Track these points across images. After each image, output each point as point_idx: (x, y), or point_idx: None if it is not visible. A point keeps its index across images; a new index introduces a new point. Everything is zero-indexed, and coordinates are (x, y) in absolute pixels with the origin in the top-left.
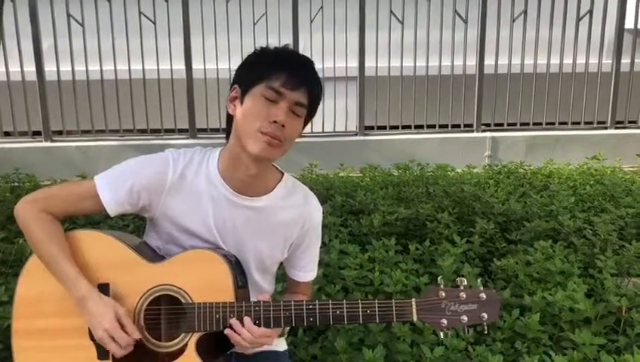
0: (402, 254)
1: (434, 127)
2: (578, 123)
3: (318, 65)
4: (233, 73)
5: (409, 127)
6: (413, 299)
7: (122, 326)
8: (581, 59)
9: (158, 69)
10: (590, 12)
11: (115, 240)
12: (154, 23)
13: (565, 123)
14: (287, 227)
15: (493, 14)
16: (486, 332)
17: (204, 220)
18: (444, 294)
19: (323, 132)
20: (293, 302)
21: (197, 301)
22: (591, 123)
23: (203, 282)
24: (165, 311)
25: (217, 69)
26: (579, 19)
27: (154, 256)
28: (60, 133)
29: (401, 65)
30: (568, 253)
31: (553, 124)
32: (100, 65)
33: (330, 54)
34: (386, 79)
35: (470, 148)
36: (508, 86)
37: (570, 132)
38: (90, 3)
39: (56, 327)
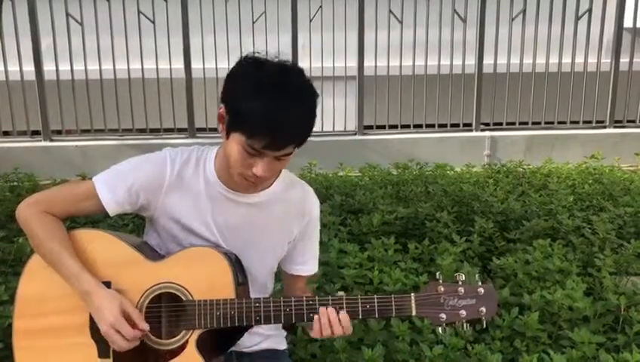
0: (401, 253)
1: (433, 126)
2: (577, 122)
3: (316, 65)
4: None
5: (408, 126)
6: (412, 294)
7: (129, 318)
8: (580, 59)
9: (157, 69)
10: (589, 11)
11: (115, 239)
12: (153, 22)
13: (564, 122)
14: (288, 221)
15: (492, 14)
16: (484, 326)
17: (203, 220)
18: (442, 289)
19: (322, 131)
20: (293, 299)
21: (197, 298)
22: (590, 122)
23: (203, 279)
24: (166, 309)
25: (216, 68)
26: (578, 18)
27: (154, 254)
28: (59, 132)
29: (400, 65)
30: (567, 252)
31: (552, 123)
32: (99, 65)
33: (329, 54)
34: (385, 78)
35: (469, 147)
36: (507, 85)
37: (569, 131)
38: (89, 2)
39: (58, 326)
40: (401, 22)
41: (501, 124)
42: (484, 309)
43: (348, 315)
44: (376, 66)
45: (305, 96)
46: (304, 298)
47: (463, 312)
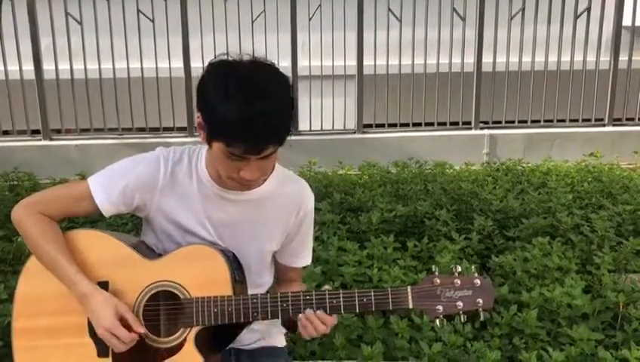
0: (400, 251)
1: (432, 124)
2: (576, 120)
3: (316, 63)
4: None
5: (407, 124)
6: (409, 287)
7: (125, 322)
8: (579, 57)
9: (156, 68)
10: (588, 9)
11: (112, 239)
12: (152, 21)
13: (563, 120)
14: (283, 216)
15: (491, 12)
16: (481, 319)
17: (198, 218)
18: (439, 281)
19: (321, 130)
20: (290, 294)
21: (195, 296)
22: (589, 120)
23: (201, 277)
24: (164, 307)
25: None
26: (577, 17)
27: (151, 253)
28: (58, 131)
29: (400, 64)
30: (566, 250)
31: (551, 121)
32: (99, 64)
33: (328, 52)
34: (385, 77)
35: (468, 145)
36: (506, 83)
37: (568, 129)
38: (89, 2)
39: (56, 326)
40: (400, 20)
41: (500, 122)
42: (480, 300)
43: (323, 312)
44: (375, 65)
45: (276, 94)
46: (301, 293)
47: (460, 304)
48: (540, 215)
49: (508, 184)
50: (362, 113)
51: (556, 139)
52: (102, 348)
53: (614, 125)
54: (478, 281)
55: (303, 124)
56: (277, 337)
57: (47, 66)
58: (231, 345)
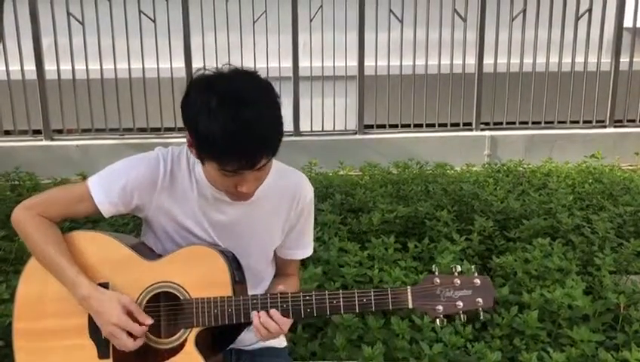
0: (401, 252)
1: (433, 125)
2: (577, 122)
3: (317, 64)
4: None
5: (408, 125)
6: (409, 287)
7: (131, 315)
8: (580, 58)
9: (157, 68)
10: (589, 11)
11: (112, 240)
12: (154, 21)
13: (564, 122)
14: (282, 211)
15: (493, 13)
16: (481, 319)
17: (197, 219)
18: (438, 281)
19: (322, 131)
20: (290, 295)
21: (195, 297)
22: (590, 122)
23: (201, 278)
24: (164, 308)
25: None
26: (578, 18)
27: (151, 254)
28: (60, 131)
29: (401, 65)
30: (567, 251)
31: (552, 122)
32: (100, 64)
33: (329, 53)
34: (386, 78)
35: (469, 146)
36: (507, 85)
37: (569, 131)
38: (90, 2)
39: (57, 327)
40: (401, 21)
41: (501, 123)
42: (480, 300)
43: (279, 312)
44: (376, 66)
45: (260, 104)
46: (301, 294)
47: (460, 303)
48: (541, 216)
49: (509, 185)
50: (363, 114)
51: (557, 141)
52: (103, 350)
53: (615, 127)
54: (478, 281)
55: (304, 125)
56: (277, 338)
57: (49, 66)
58: (232, 346)
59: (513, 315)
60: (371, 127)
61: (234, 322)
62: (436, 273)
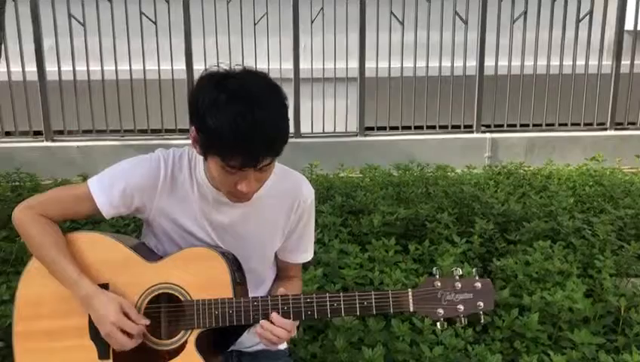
0: (402, 254)
1: (434, 127)
2: (578, 124)
3: (318, 66)
4: None
5: (409, 127)
6: (409, 290)
7: (128, 317)
8: (581, 61)
9: (159, 69)
10: (590, 13)
11: (113, 241)
12: (155, 23)
13: (565, 124)
14: (283, 213)
15: (494, 16)
16: (482, 322)
17: (198, 221)
18: (439, 284)
19: (323, 132)
20: (290, 297)
21: (195, 298)
22: (590, 124)
23: (201, 279)
24: (164, 309)
25: (218, 69)
26: (579, 21)
27: (152, 255)
28: (60, 132)
29: (402, 66)
30: (567, 254)
31: (553, 125)
32: (101, 66)
33: (330, 55)
34: (387, 80)
35: (470, 149)
36: (508, 87)
37: (570, 133)
38: (92, 3)
39: (57, 328)
40: (402, 23)
41: (502, 126)
42: (481, 303)
43: (279, 315)
44: (377, 68)
45: (269, 103)
46: (302, 296)
47: (461, 307)
48: (542, 218)
49: (509, 187)
50: (364, 116)
51: (558, 143)
52: (103, 351)
53: (616, 129)
54: (478, 284)
55: (304, 127)
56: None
57: (50, 67)
58: (232, 348)
59: (514, 318)
60: (372, 128)
61: (235, 323)
62: (437, 276)
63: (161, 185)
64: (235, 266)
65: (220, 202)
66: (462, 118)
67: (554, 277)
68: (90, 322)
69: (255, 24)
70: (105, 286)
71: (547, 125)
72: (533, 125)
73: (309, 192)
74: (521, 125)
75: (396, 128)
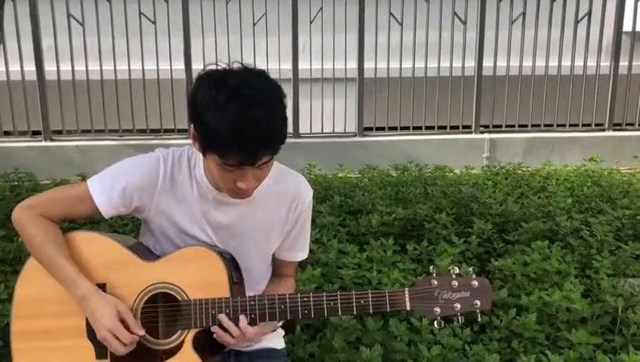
0: (400, 254)
1: (432, 128)
2: (576, 125)
3: (317, 66)
4: None
5: (408, 128)
6: (406, 288)
7: (125, 323)
8: (579, 62)
9: (157, 69)
10: (588, 14)
11: (110, 241)
12: (154, 23)
13: (563, 125)
14: (281, 213)
15: (492, 16)
16: (479, 320)
17: (197, 220)
18: (436, 283)
19: (322, 133)
20: (287, 296)
21: (193, 298)
22: (589, 125)
23: (198, 279)
24: (162, 309)
25: (217, 67)
26: (577, 22)
27: (149, 255)
28: (59, 132)
29: (400, 67)
30: (565, 254)
31: (551, 125)
32: (100, 65)
33: (329, 55)
34: (385, 80)
35: (468, 149)
36: (506, 88)
37: (568, 134)
38: (91, 3)
39: (55, 328)
40: (401, 24)
41: (500, 126)
42: (478, 302)
43: (246, 321)
44: (376, 68)
45: (267, 101)
46: (299, 295)
47: (458, 305)
48: (540, 219)
49: (507, 188)
50: (363, 116)
51: (556, 144)
52: (100, 351)
53: (614, 130)
54: (475, 283)
55: (303, 127)
56: (276, 339)
57: (49, 67)
58: (229, 347)
59: (511, 318)
60: (371, 129)
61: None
62: (434, 274)
63: (160, 185)
64: (233, 266)
65: (219, 201)
66: (460, 119)
67: (552, 277)
68: (88, 322)
69: (254, 24)
70: (102, 286)
71: (545, 126)
72: (532, 126)
73: (307, 192)
74: (520, 126)
75: (395, 128)
